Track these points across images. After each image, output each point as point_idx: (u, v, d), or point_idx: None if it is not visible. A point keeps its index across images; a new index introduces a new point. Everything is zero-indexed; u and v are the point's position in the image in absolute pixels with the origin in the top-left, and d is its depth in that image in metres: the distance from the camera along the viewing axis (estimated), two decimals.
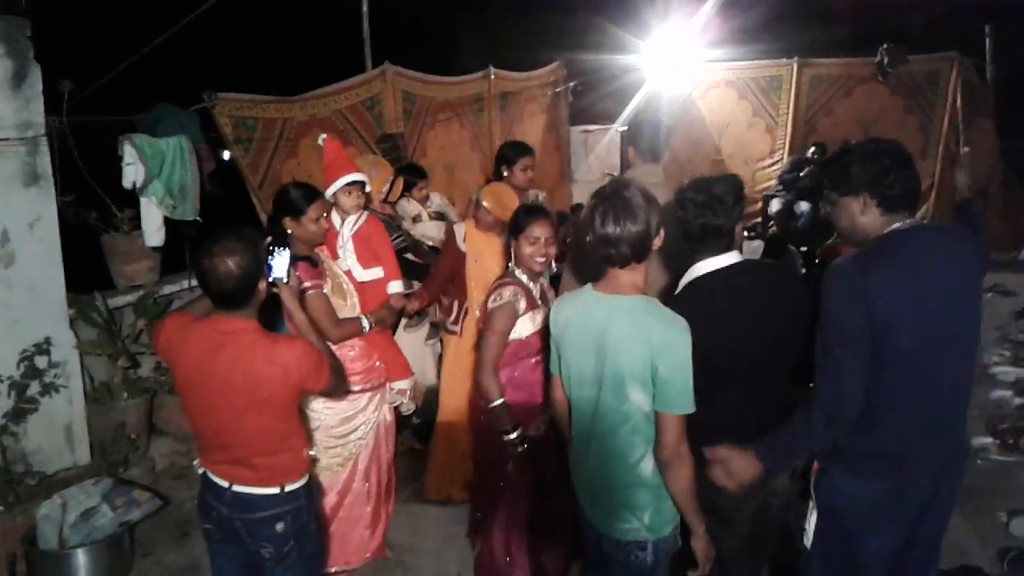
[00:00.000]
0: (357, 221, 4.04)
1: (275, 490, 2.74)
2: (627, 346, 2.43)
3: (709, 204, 2.72)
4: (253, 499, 2.73)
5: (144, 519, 4.25)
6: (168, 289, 5.59)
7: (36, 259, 4.52)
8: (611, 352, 2.46)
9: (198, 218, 5.39)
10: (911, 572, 2.71)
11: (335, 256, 3.97)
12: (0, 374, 4.34)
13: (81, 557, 3.90)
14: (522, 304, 3.44)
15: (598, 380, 2.51)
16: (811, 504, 2.71)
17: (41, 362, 4.51)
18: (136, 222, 5.26)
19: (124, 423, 4.91)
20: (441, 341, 5.04)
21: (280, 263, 2.89)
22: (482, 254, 4.59)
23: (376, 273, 4.03)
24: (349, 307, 3.84)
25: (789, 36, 12.16)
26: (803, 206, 10.55)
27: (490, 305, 3.45)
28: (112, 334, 4.98)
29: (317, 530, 2.92)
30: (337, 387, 2.89)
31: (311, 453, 2.87)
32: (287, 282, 2.95)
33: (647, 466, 2.53)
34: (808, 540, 2.71)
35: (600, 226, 2.45)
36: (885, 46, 10.90)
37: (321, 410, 3.81)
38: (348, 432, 3.89)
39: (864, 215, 2.57)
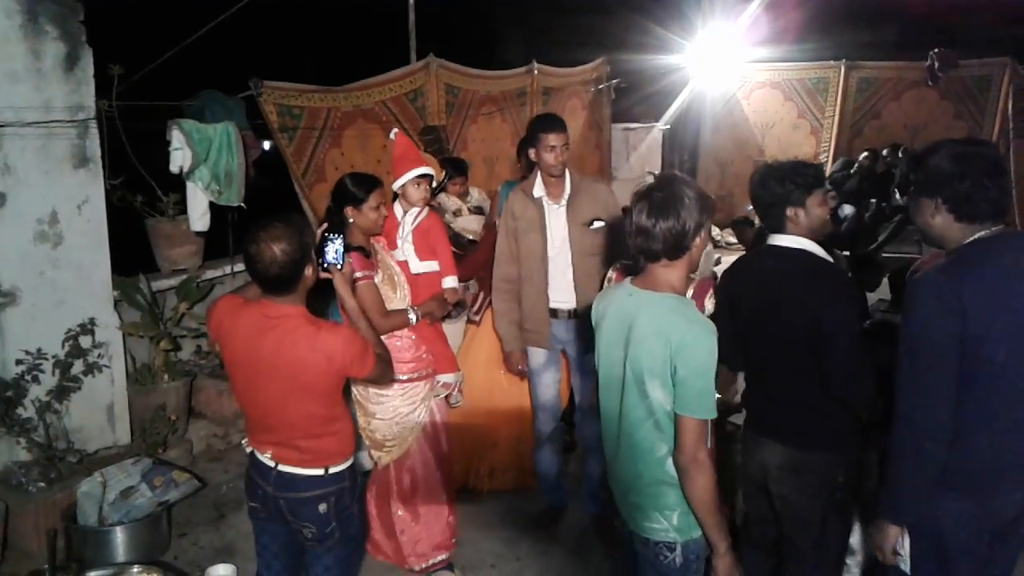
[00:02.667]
0: (419, 215, 4.05)
1: (319, 471, 2.76)
2: (648, 342, 2.38)
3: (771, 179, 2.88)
4: (298, 479, 2.76)
5: (182, 500, 4.29)
6: (211, 274, 5.63)
7: (83, 240, 4.58)
8: (634, 346, 2.41)
9: (243, 204, 5.43)
10: None
11: (392, 246, 3.98)
12: (45, 352, 4.40)
13: (120, 534, 3.94)
14: None
15: (623, 374, 2.47)
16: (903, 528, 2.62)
17: (85, 342, 4.57)
18: (181, 207, 5.31)
19: (164, 405, 4.96)
20: None
21: (334, 249, 2.92)
22: None
23: (431, 266, 4.03)
24: (399, 299, 3.83)
25: (836, 37, 12.02)
26: (847, 209, 10.41)
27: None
28: (155, 316, 5.04)
29: (360, 514, 2.94)
30: (383, 375, 2.88)
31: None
32: (340, 268, 2.98)
33: (673, 466, 2.46)
34: (906, 565, 2.62)
35: (636, 217, 2.41)
36: (936, 50, 10.74)
37: (373, 400, 3.82)
38: (399, 423, 3.90)
39: (935, 218, 2.47)
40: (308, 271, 2.69)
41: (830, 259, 2.95)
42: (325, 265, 2.89)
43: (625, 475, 2.58)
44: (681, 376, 2.32)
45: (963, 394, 2.37)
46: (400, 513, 3.99)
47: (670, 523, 2.48)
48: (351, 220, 3.63)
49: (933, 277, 2.41)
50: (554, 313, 4.20)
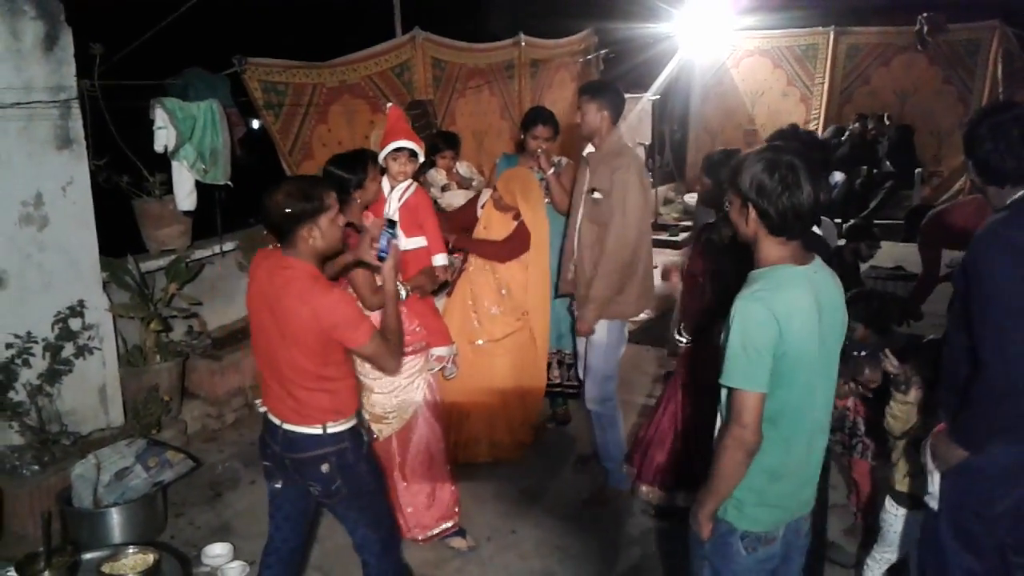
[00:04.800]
0: (406, 191, 4.04)
1: (317, 430, 2.85)
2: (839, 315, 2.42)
3: None
4: (299, 438, 2.87)
5: (177, 480, 4.30)
6: (199, 253, 5.60)
7: (69, 222, 4.55)
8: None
9: (229, 182, 5.39)
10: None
11: None
12: (35, 335, 4.38)
13: (115, 516, 3.94)
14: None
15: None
16: (930, 467, 2.70)
17: (75, 324, 4.55)
18: (168, 186, 5.27)
19: (157, 385, 4.95)
20: None
21: (386, 240, 3.04)
22: (491, 225, 4.70)
23: (419, 242, 4.04)
24: None
25: (825, 3, 11.91)
26: (837, 176, 10.43)
27: None
28: (145, 297, 5.01)
29: (369, 472, 3.01)
30: (382, 357, 2.91)
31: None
32: (383, 260, 3.06)
33: None
34: (935, 503, 2.71)
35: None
36: (924, 14, 10.67)
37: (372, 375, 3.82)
38: (398, 396, 3.90)
39: (973, 177, 2.63)
40: (309, 233, 2.76)
41: None
42: (381, 255, 3.03)
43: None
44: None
45: None
46: (404, 485, 4.00)
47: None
48: (358, 200, 3.67)
49: (998, 230, 2.50)
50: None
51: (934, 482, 2.72)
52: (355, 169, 3.66)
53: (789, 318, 2.21)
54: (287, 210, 2.72)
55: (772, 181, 2.22)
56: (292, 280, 2.75)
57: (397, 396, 3.88)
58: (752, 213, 2.28)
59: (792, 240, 2.30)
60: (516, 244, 4.65)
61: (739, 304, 2.25)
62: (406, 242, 3.99)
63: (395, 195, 4.02)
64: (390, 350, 2.93)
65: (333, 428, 2.87)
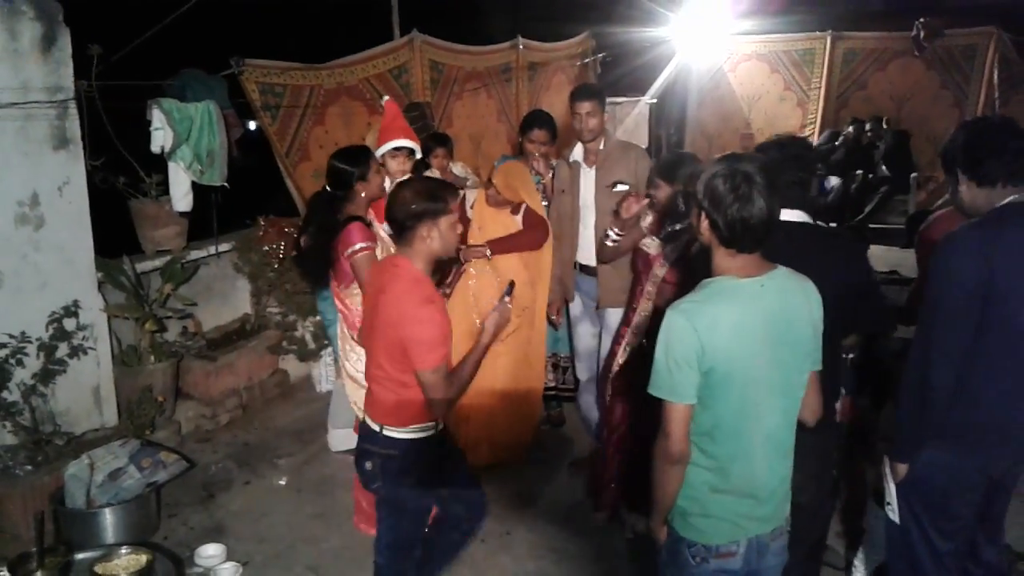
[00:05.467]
0: None
1: (375, 427, 2.94)
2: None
3: None
4: (364, 428, 3.02)
5: (170, 481, 4.29)
6: (195, 254, 5.60)
7: (65, 222, 4.55)
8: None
9: (225, 184, 5.40)
10: (983, 541, 2.79)
11: (381, 220, 3.98)
12: (29, 335, 4.38)
13: (108, 516, 3.94)
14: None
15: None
16: (888, 478, 2.72)
17: (69, 324, 4.55)
18: (164, 187, 5.27)
19: (151, 386, 4.95)
20: None
21: (502, 300, 3.17)
22: (486, 225, 4.69)
23: None
24: None
25: (822, 8, 11.94)
26: (833, 181, 10.43)
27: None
28: (140, 298, 5.01)
29: (413, 493, 3.01)
30: (437, 390, 2.82)
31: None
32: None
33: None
34: (895, 515, 2.74)
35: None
36: (921, 19, 10.69)
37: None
38: None
39: (963, 188, 2.62)
40: (428, 233, 2.84)
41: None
42: (504, 301, 3.15)
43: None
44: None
45: (975, 348, 2.43)
46: None
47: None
48: (362, 194, 3.74)
49: (965, 232, 2.49)
50: (582, 268, 4.63)
51: (891, 492, 2.75)
52: (358, 162, 3.70)
53: (711, 331, 2.16)
54: (413, 207, 2.81)
55: (724, 191, 2.17)
56: (395, 279, 2.84)
57: None
58: (705, 222, 2.24)
59: (743, 252, 2.23)
60: (539, 227, 4.64)
61: (667, 315, 2.23)
62: None
63: None
64: (447, 392, 2.84)
65: (389, 432, 2.90)
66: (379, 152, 4.00)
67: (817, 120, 11.63)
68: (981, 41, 10.58)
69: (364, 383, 3.80)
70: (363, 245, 3.71)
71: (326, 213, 3.85)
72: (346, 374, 4.02)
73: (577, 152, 4.63)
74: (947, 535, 2.68)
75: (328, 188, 3.93)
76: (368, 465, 2.94)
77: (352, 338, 3.91)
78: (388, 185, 4.03)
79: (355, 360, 3.87)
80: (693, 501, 2.33)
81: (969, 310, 2.41)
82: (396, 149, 3.99)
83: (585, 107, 4.44)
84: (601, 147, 4.54)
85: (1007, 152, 2.50)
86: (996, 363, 2.47)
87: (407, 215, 2.82)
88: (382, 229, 3.94)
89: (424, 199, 2.82)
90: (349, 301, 3.92)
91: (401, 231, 2.86)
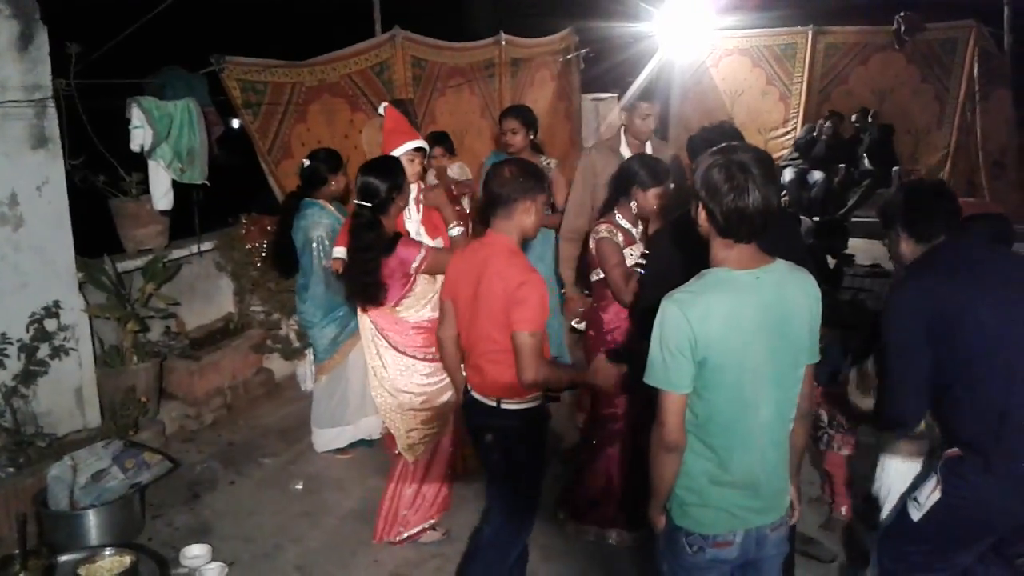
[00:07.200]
0: (419, 193, 4.13)
1: (492, 402, 3.04)
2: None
3: None
4: (477, 405, 3.11)
5: (154, 481, 4.27)
6: (177, 253, 5.57)
7: (45, 222, 4.51)
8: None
9: (206, 182, 5.37)
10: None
11: (400, 227, 4.03)
12: (10, 336, 4.34)
13: (92, 518, 3.92)
14: (619, 238, 3.80)
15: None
16: (935, 482, 2.71)
17: (50, 325, 4.51)
18: (145, 186, 5.24)
19: (134, 386, 4.92)
20: None
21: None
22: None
23: (439, 244, 4.08)
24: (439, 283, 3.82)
25: (803, 2, 11.98)
26: (816, 175, 10.48)
27: (591, 241, 3.86)
28: (121, 298, 4.98)
29: (530, 463, 3.14)
30: (529, 356, 2.85)
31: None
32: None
33: None
34: (917, 514, 2.75)
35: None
36: (902, 13, 10.75)
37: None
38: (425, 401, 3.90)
39: (902, 243, 2.85)
40: (528, 209, 2.97)
41: None
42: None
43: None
44: None
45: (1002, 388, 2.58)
46: (408, 492, 4.00)
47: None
48: (400, 204, 3.80)
49: (916, 271, 2.80)
50: None
51: (929, 497, 2.73)
52: (392, 174, 3.71)
53: (703, 322, 2.17)
54: (520, 180, 2.94)
55: (720, 181, 2.18)
56: (492, 256, 2.95)
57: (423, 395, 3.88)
58: (702, 213, 2.26)
59: (740, 243, 2.24)
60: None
61: (662, 305, 2.24)
62: (431, 243, 4.03)
63: (411, 194, 4.06)
64: (536, 360, 2.87)
65: (507, 405, 3.01)
66: (395, 154, 4.03)
67: (800, 114, 11.67)
68: (961, 35, 10.63)
69: (395, 394, 3.85)
70: (422, 252, 3.69)
71: (370, 232, 3.70)
72: (378, 384, 3.93)
73: (625, 148, 4.65)
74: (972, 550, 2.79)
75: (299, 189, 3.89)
76: (488, 438, 3.09)
77: (395, 348, 3.84)
78: None
79: (393, 373, 3.85)
80: (692, 491, 2.35)
81: (920, 347, 2.64)
82: (414, 151, 4.03)
83: (654, 108, 4.58)
84: (648, 148, 4.63)
85: (940, 213, 2.79)
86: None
87: (513, 188, 2.93)
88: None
89: (529, 177, 2.98)
90: (397, 317, 3.81)
91: (503, 205, 2.96)
